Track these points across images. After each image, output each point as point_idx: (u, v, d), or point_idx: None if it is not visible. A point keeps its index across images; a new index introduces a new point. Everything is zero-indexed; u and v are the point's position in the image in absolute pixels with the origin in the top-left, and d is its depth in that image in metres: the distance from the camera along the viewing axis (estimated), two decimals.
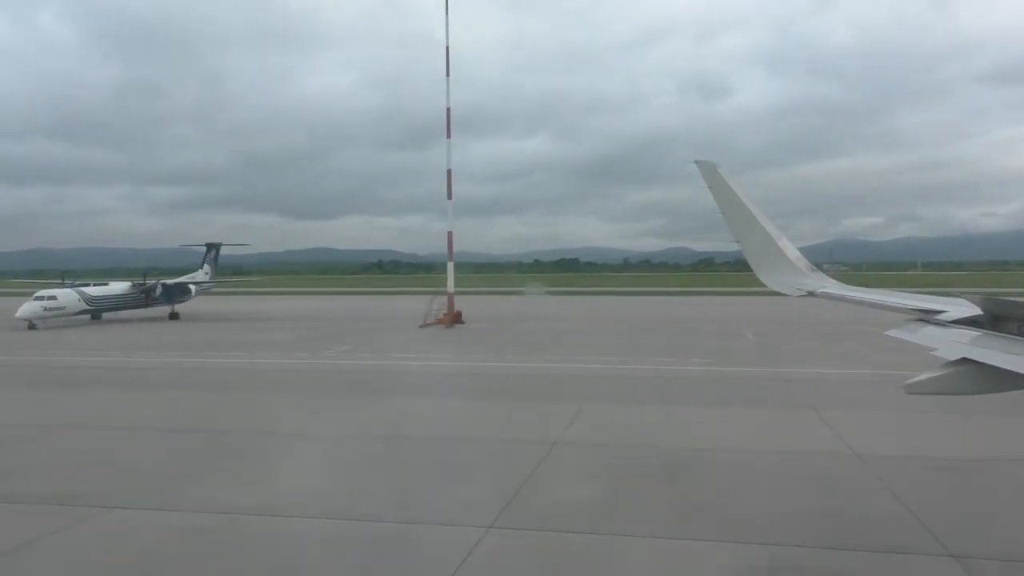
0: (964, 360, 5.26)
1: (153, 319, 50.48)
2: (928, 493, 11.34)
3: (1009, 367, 4.77)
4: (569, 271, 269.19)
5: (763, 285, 11.14)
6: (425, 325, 42.46)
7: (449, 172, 44.93)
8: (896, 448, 13.85)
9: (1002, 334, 5.58)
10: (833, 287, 10.20)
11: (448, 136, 45.01)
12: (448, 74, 44.73)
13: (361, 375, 25.06)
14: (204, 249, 61.31)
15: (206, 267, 60.25)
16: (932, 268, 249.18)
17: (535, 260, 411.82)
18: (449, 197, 45.16)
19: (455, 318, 44.21)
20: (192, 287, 55.54)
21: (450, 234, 45.47)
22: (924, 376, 5.40)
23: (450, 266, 46.02)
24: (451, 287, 45.51)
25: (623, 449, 14.04)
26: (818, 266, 11.58)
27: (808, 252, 11.69)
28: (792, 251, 11.19)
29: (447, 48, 44.73)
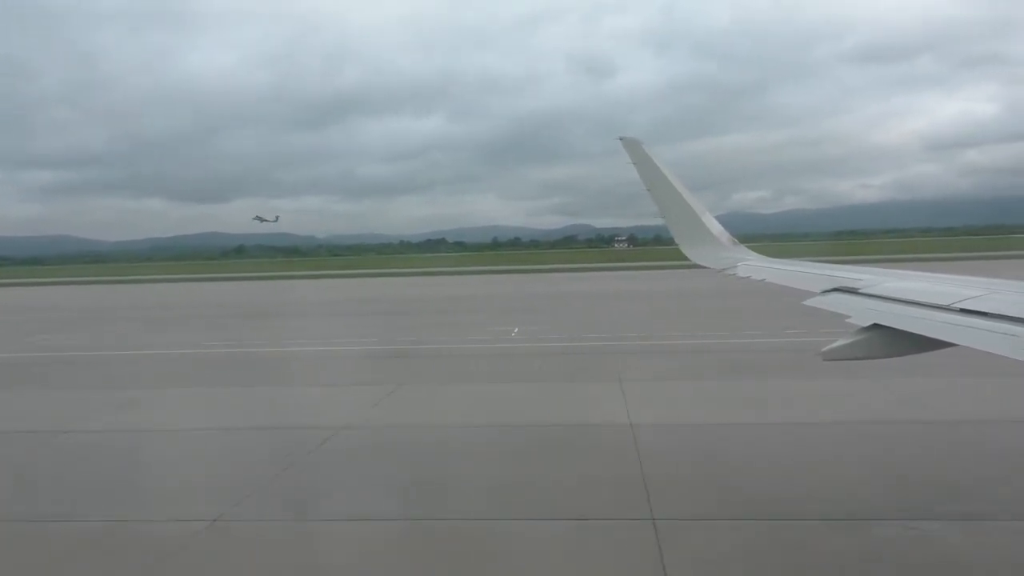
0: (875, 326, 5.45)
1: None
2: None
3: (914, 331, 5.06)
4: (437, 251, 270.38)
5: (682, 259, 11.20)
6: None
7: None
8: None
9: (909, 301, 5.77)
10: (755, 259, 10.39)
11: None
12: None
13: None
14: None
15: None
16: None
17: (400, 240, 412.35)
18: None
19: None
20: None
21: None
22: (839, 343, 5.49)
23: None
24: None
25: None
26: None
27: None
28: (715, 225, 11.24)
29: None
